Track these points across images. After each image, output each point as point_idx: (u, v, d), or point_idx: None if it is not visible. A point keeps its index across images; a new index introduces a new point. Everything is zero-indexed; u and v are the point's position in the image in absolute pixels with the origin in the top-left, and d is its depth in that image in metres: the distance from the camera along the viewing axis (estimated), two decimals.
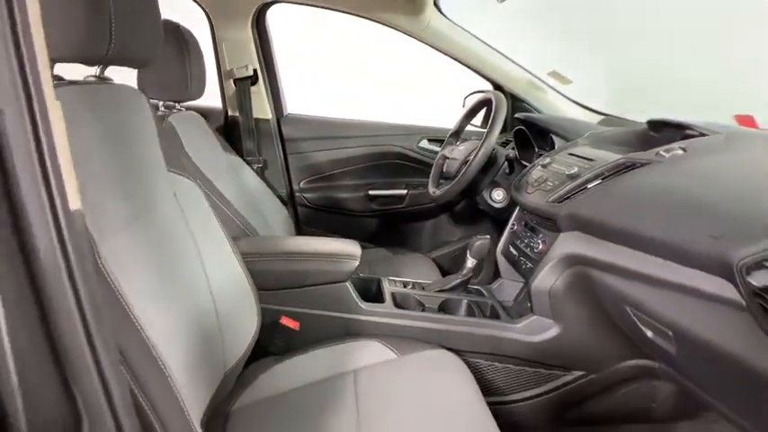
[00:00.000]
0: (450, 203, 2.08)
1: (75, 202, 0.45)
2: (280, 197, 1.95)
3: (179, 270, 0.91)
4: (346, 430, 0.91)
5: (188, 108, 1.62)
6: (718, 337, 0.81)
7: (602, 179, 1.13)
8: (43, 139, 0.42)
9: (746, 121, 1.95)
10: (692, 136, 1.23)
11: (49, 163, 0.42)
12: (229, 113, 1.95)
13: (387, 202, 2.07)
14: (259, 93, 1.93)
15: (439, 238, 2.12)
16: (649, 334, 0.99)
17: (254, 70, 1.89)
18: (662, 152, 1.11)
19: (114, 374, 0.47)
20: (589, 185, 1.14)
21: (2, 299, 0.40)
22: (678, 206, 0.94)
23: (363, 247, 1.29)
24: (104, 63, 0.76)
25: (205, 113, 1.69)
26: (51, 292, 0.43)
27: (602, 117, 1.95)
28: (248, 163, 1.86)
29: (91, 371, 0.45)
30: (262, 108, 1.95)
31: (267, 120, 1.96)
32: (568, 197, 1.17)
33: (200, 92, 1.53)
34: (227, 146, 1.78)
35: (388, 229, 2.12)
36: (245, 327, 1.07)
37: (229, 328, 1.01)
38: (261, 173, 1.92)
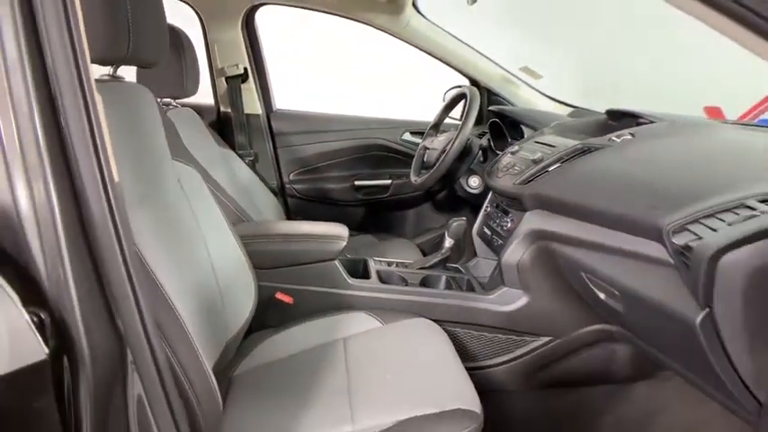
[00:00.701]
0: (432, 192, 2.21)
1: (116, 176, 0.57)
2: (271, 188, 2.07)
3: (184, 247, 1.02)
4: (338, 389, 1.03)
5: (183, 105, 1.72)
6: (654, 292, 0.95)
7: (561, 162, 1.27)
8: (94, 124, 0.54)
9: (714, 112, 2.11)
10: (644, 124, 1.37)
11: (99, 143, 0.54)
12: (222, 109, 2.06)
13: (372, 192, 2.19)
14: (249, 90, 2.04)
15: (422, 225, 2.25)
16: (602, 296, 1.13)
17: (245, 68, 2.00)
18: (613, 138, 1.25)
19: (147, 308, 0.59)
20: (550, 168, 1.28)
21: (69, 255, 0.52)
22: (624, 183, 1.09)
23: (351, 235, 1.41)
24: (123, 63, 0.87)
25: (199, 110, 1.80)
26: (103, 247, 0.55)
27: (572, 109, 2.09)
28: (240, 156, 1.97)
29: (131, 304, 0.56)
30: (252, 104, 2.06)
31: (257, 115, 2.07)
32: (532, 179, 1.30)
33: (194, 89, 1.64)
34: (221, 140, 1.89)
35: (373, 217, 2.25)
36: (243, 301, 1.19)
37: (229, 301, 1.13)
38: (252, 165, 2.03)
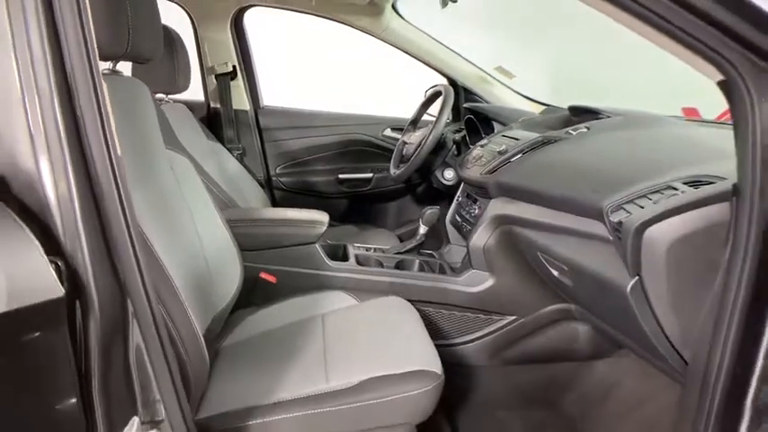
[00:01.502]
0: (411, 185, 2.32)
1: (119, 151, 0.67)
2: (258, 181, 2.17)
3: (176, 228, 1.12)
4: (315, 356, 1.13)
5: (175, 101, 1.82)
6: (595, 264, 1.07)
7: (523, 153, 1.39)
8: (103, 111, 0.64)
9: (692, 112, 2.24)
10: (603, 118, 1.50)
11: (106, 127, 0.64)
12: (211, 105, 2.16)
13: (355, 185, 2.30)
14: (238, 87, 2.15)
15: (402, 217, 2.37)
16: (555, 273, 1.25)
17: (234, 66, 2.10)
18: (570, 131, 1.38)
19: (146, 268, 0.69)
20: (512, 159, 1.40)
21: (81, 216, 0.62)
22: (574, 171, 1.21)
23: (334, 225, 1.52)
24: (123, 59, 0.96)
25: (189, 106, 1.90)
26: (109, 212, 0.65)
27: (545, 107, 2.21)
28: (229, 150, 2.07)
29: (132, 262, 0.67)
30: (240, 100, 2.16)
31: (245, 111, 2.17)
32: (496, 169, 1.42)
33: (186, 85, 1.73)
34: (210, 134, 1.98)
35: (356, 209, 2.36)
36: (230, 279, 1.29)
37: (217, 278, 1.23)
38: (241, 159, 2.13)
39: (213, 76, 2.10)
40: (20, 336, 0.55)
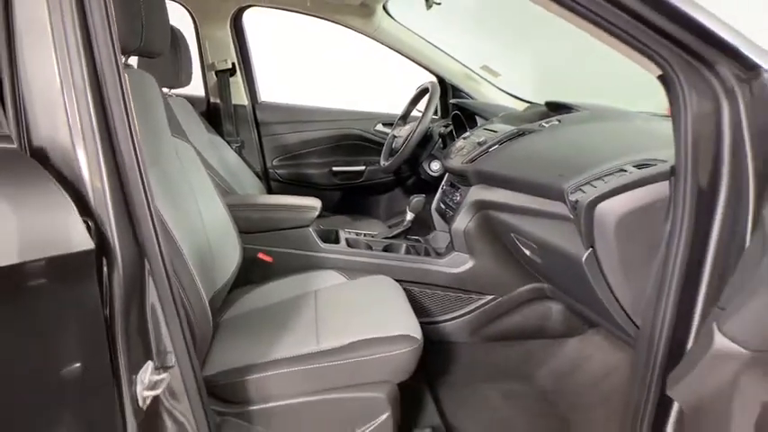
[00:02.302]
0: (401, 178, 2.44)
1: (139, 134, 0.79)
2: (255, 173, 2.28)
3: (181, 208, 1.23)
4: (307, 324, 1.25)
5: (177, 95, 1.93)
6: (558, 240, 1.19)
7: (500, 144, 1.51)
8: (127, 100, 0.76)
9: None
10: (575, 113, 1.62)
11: (129, 113, 0.76)
12: (211, 100, 2.27)
13: (348, 177, 2.42)
14: (237, 83, 2.26)
15: (392, 208, 2.49)
16: (527, 252, 1.38)
17: (233, 63, 2.21)
18: (543, 123, 1.50)
19: (161, 231, 0.81)
20: (490, 149, 1.52)
21: (108, 185, 0.74)
22: (543, 158, 1.33)
23: (327, 215, 1.62)
24: (135, 53, 1.08)
25: (190, 100, 2.01)
26: (131, 185, 0.76)
27: (528, 104, 2.34)
28: (228, 143, 2.19)
29: (149, 226, 0.78)
30: (239, 96, 2.27)
31: (244, 106, 2.29)
32: (476, 158, 1.54)
33: (188, 80, 1.84)
34: (210, 128, 2.10)
35: (348, 200, 2.48)
36: (230, 258, 1.40)
37: (218, 256, 1.34)
38: (239, 151, 2.24)
39: (213, 73, 2.22)
40: (62, 277, 0.67)
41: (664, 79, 0.93)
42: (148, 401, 0.82)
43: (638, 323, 1.12)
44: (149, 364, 0.83)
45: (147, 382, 0.81)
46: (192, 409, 0.89)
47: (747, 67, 0.88)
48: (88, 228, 0.71)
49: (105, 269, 0.74)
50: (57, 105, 0.71)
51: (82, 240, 0.69)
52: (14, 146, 0.69)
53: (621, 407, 1.43)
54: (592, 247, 1.06)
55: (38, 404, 0.66)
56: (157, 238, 0.80)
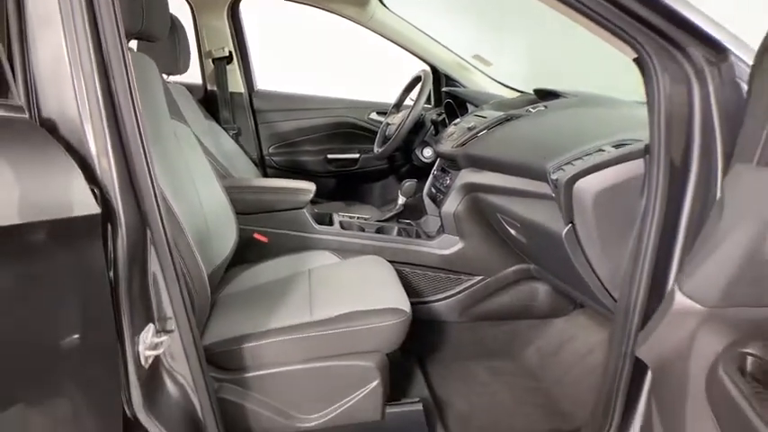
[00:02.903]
0: (395, 166, 2.49)
1: (141, 110, 0.84)
2: (252, 159, 2.33)
3: (180, 187, 1.28)
4: (301, 298, 1.30)
5: (175, 83, 1.97)
6: (540, 218, 1.25)
7: (488, 128, 1.56)
8: (131, 81, 0.81)
9: None
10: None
11: (133, 93, 0.81)
12: (208, 88, 2.32)
13: (343, 165, 2.47)
14: (233, 71, 2.30)
15: (386, 195, 2.54)
16: (513, 231, 1.43)
17: (230, 51, 2.25)
18: (530, 108, 1.55)
19: (161, 200, 0.86)
20: (479, 134, 1.57)
21: (113, 157, 0.79)
22: (529, 142, 1.39)
23: (322, 202, 1.66)
24: (136, 37, 1.12)
25: (188, 88, 2.05)
26: (134, 157, 0.81)
27: (519, 94, 2.39)
28: (225, 130, 2.23)
29: (150, 194, 0.83)
30: (236, 84, 2.32)
31: (240, 93, 2.33)
32: (465, 143, 1.60)
33: (186, 67, 1.89)
34: (208, 114, 2.14)
35: (343, 187, 2.53)
36: (227, 237, 1.45)
37: (215, 236, 1.39)
38: (236, 138, 2.29)
39: (210, 61, 2.26)
40: (70, 239, 0.72)
41: (639, 62, 0.98)
42: (150, 361, 0.88)
43: (616, 297, 1.18)
44: (150, 327, 0.88)
45: (148, 343, 0.86)
46: (191, 371, 0.94)
47: (716, 51, 0.93)
48: (94, 195, 0.76)
49: (110, 234, 0.79)
50: (65, 79, 0.76)
51: (89, 205, 0.74)
52: (26, 116, 0.74)
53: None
54: (571, 222, 1.12)
55: (46, 360, 0.71)
56: (159, 209, 0.85)
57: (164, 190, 1.06)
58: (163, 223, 0.87)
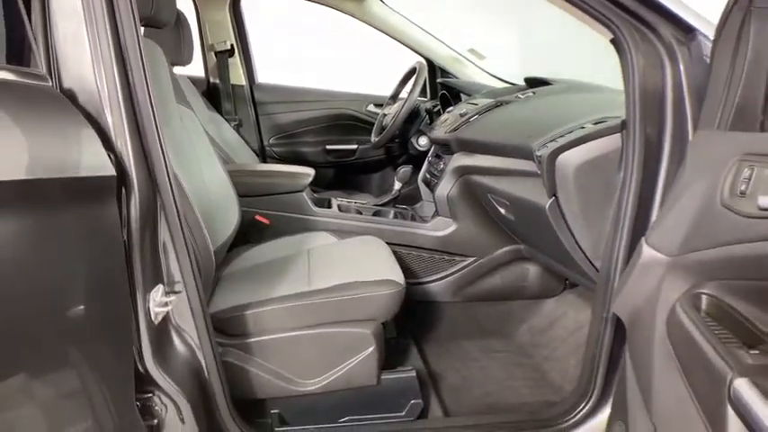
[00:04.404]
0: (392, 156, 2.56)
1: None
2: (253, 150, 2.40)
3: (186, 168, 1.35)
4: (300, 273, 1.36)
5: (179, 75, 2.04)
6: (526, 194, 1.32)
7: (479, 114, 1.63)
8: (143, 55, 0.88)
9: None
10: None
11: (147, 77, 0.88)
12: (211, 80, 2.39)
13: (341, 155, 2.54)
14: (235, 64, 2.38)
15: (384, 185, 2.61)
16: (502, 211, 1.50)
17: (231, 45, 2.33)
18: (519, 94, 1.63)
19: (171, 171, 0.93)
20: (471, 119, 1.64)
21: (128, 129, 0.85)
22: (517, 124, 1.46)
23: (320, 191, 1.71)
24: (144, 24, 1.19)
25: (191, 80, 2.12)
26: (146, 128, 0.88)
27: (511, 86, 2.46)
28: (227, 121, 2.31)
29: (161, 161, 0.90)
30: (237, 76, 2.39)
31: (242, 86, 2.41)
32: (458, 128, 1.67)
33: (189, 59, 1.95)
34: (211, 106, 2.21)
35: (342, 177, 2.60)
36: (229, 218, 1.52)
37: (218, 217, 1.45)
38: (237, 129, 2.36)
39: (213, 54, 2.34)
40: (89, 196, 0.78)
41: (614, 42, 1.05)
42: (159, 318, 0.94)
43: (598, 267, 1.24)
44: (160, 287, 0.95)
45: (158, 301, 0.93)
46: (197, 331, 1.01)
47: (685, 31, 1.01)
48: (110, 159, 0.83)
49: (124, 196, 0.86)
50: (83, 53, 0.83)
51: (106, 167, 0.81)
52: (49, 84, 0.81)
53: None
54: (554, 195, 1.19)
55: (63, 311, 0.78)
56: (169, 179, 0.92)
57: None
58: (173, 193, 0.94)
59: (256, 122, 2.46)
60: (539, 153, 1.21)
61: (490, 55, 2.47)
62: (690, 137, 1.01)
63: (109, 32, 0.84)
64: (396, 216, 1.83)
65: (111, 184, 0.82)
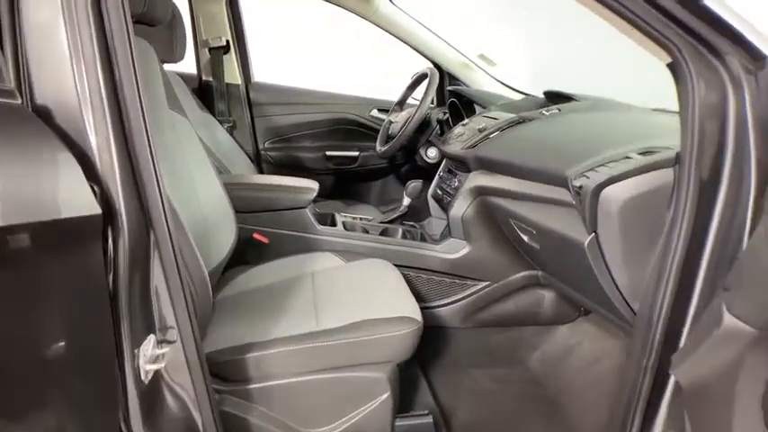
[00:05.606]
0: (396, 164, 2.43)
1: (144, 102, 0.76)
2: (247, 154, 2.24)
3: (179, 183, 1.20)
4: (305, 305, 1.23)
5: (168, 71, 1.88)
6: (558, 225, 1.20)
7: (500, 130, 1.51)
8: (135, 62, 0.73)
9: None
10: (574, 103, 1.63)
11: (137, 73, 0.73)
12: (203, 78, 2.22)
13: (341, 162, 2.40)
14: (230, 61, 2.21)
15: (386, 195, 2.48)
16: (525, 238, 1.38)
17: (227, 41, 2.16)
18: (543, 111, 1.51)
19: (166, 200, 0.79)
20: (491, 135, 1.52)
21: (116, 150, 0.71)
22: (545, 146, 1.34)
23: (319, 201, 1.58)
24: (138, 20, 1.04)
25: (182, 77, 1.96)
26: (138, 151, 0.74)
27: (523, 96, 2.34)
28: (220, 122, 2.14)
29: (155, 190, 0.76)
30: (232, 74, 2.23)
31: (237, 85, 2.24)
32: (476, 144, 1.54)
33: (182, 55, 1.79)
34: (203, 106, 2.05)
35: (342, 185, 2.45)
36: (225, 236, 1.38)
37: (213, 235, 1.31)
38: (231, 132, 2.20)
39: (207, 50, 2.17)
40: (66, 242, 0.64)
41: (673, 67, 0.94)
42: (150, 375, 0.81)
43: (635, 308, 1.14)
44: (152, 338, 0.81)
45: (149, 356, 0.79)
46: (193, 384, 0.87)
47: (755, 58, 0.89)
48: (94, 192, 0.69)
49: (110, 237, 0.72)
50: (63, 60, 0.68)
51: (88, 204, 0.66)
52: (18, 102, 0.66)
53: (611, 390, 1.47)
54: (594, 231, 1.07)
55: (38, 373, 0.64)
56: (164, 208, 0.78)
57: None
58: (168, 225, 0.79)
59: (251, 125, 2.30)
60: (577, 183, 1.09)
61: (501, 62, 2.35)
62: (752, 175, 0.90)
63: (94, 35, 0.69)
64: (404, 235, 1.70)
65: (95, 224, 0.67)
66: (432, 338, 1.70)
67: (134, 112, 0.74)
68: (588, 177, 1.07)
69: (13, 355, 0.60)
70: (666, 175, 0.99)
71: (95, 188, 0.69)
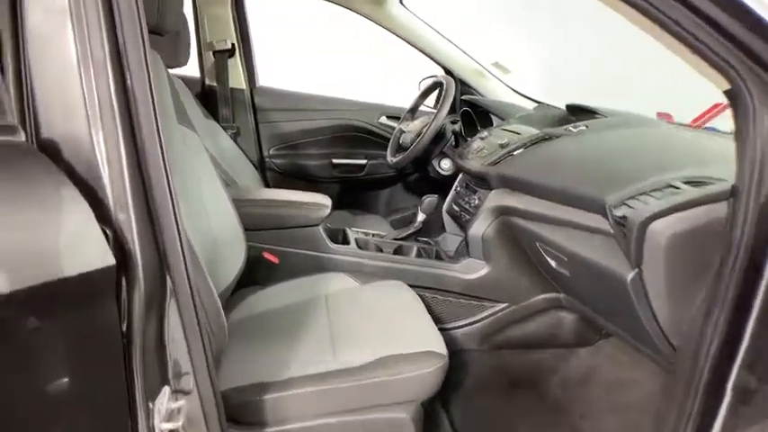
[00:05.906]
0: (404, 174, 2.35)
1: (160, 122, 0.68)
2: (251, 161, 2.15)
3: (189, 205, 1.12)
4: (321, 334, 1.16)
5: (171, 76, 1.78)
6: (594, 255, 1.13)
7: (525, 147, 1.44)
8: (151, 81, 0.65)
9: (665, 117, 2.34)
10: (599, 118, 1.56)
11: (154, 97, 0.65)
12: (207, 83, 2.12)
13: (348, 171, 2.31)
14: (235, 65, 2.12)
15: (393, 204, 2.40)
16: (553, 263, 1.31)
17: (232, 44, 2.06)
18: (570, 128, 1.43)
19: (184, 237, 0.70)
20: (514, 152, 1.45)
21: (131, 188, 0.62)
22: (576, 166, 1.27)
23: None
24: (152, 31, 0.95)
25: (184, 81, 1.86)
26: (154, 186, 0.65)
27: (536, 104, 2.27)
28: (224, 128, 2.05)
29: (174, 233, 0.68)
30: (237, 79, 2.13)
31: (241, 90, 2.15)
32: (498, 161, 1.47)
33: (186, 60, 1.69)
34: (206, 111, 1.95)
35: (348, 194, 2.37)
36: (235, 256, 1.29)
37: (223, 255, 1.23)
38: (235, 138, 2.11)
39: (211, 53, 2.07)
40: (76, 300, 0.56)
41: (731, 94, 0.86)
42: None
43: (675, 345, 1.07)
44: (166, 390, 0.73)
45: (164, 413, 0.71)
46: None
47: None
48: (106, 237, 0.60)
49: (124, 286, 0.64)
50: (72, 88, 0.59)
51: (101, 255, 0.58)
52: (21, 139, 0.57)
53: (634, 419, 1.41)
54: (639, 267, 1.00)
55: None
56: (182, 248, 0.70)
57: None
58: (187, 269, 0.71)
59: (256, 131, 2.20)
60: (618, 213, 1.02)
61: (516, 70, 2.28)
62: None
63: (108, 54, 0.60)
64: (419, 253, 1.63)
65: (109, 276, 0.59)
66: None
67: (151, 141, 0.65)
68: (632, 208, 1.00)
69: (16, 420, 0.53)
70: (716, 209, 0.92)
71: (108, 232, 0.61)
